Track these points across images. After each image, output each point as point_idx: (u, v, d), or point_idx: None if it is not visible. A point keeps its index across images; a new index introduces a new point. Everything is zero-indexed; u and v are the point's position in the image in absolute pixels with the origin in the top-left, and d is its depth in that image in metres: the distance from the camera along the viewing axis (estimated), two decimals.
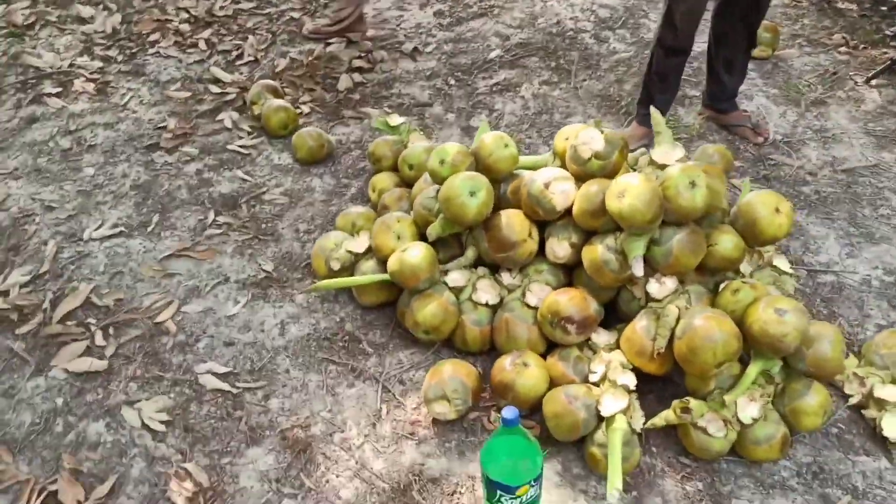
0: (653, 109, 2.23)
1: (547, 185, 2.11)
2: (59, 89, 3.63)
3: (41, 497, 1.92)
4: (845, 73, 3.50)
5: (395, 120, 2.91)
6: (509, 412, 1.57)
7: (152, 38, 4.01)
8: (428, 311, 2.15)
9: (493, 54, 3.79)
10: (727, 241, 2.06)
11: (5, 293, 2.54)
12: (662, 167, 2.06)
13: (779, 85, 3.45)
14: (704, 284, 2.12)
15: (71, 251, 2.71)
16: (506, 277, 2.24)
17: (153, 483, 1.95)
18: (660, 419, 1.89)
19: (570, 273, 2.24)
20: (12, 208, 2.93)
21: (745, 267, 2.20)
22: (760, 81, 3.48)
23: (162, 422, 2.10)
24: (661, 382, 2.08)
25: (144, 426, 2.10)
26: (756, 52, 3.59)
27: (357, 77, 3.64)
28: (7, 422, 2.13)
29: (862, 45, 3.69)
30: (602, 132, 2.14)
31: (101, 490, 1.93)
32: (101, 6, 4.21)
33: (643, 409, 1.96)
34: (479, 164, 2.30)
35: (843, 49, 3.67)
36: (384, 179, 2.76)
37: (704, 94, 3.18)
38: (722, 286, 2.07)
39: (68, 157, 3.20)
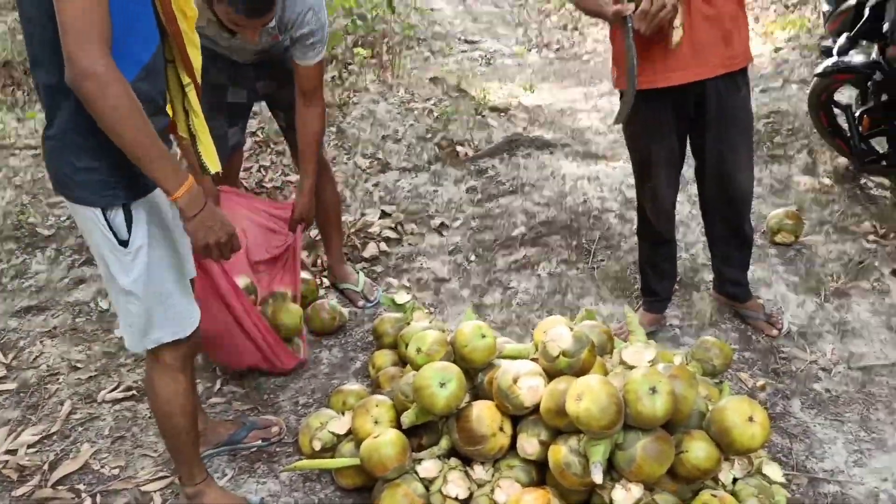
0: (626, 308, 2.25)
1: (515, 380, 2.11)
2: None
3: None
4: (872, 262, 3.42)
5: (401, 298, 3.01)
6: None
7: None
8: (393, 502, 2.13)
9: (516, 231, 3.91)
10: (699, 450, 1.98)
11: (13, 452, 2.65)
12: (631, 368, 2.04)
13: (800, 273, 3.40)
14: (679, 493, 2.03)
15: (83, 412, 2.83)
16: (478, 470, 2.20)
17: None
18: None
19: (544, 470, 2.19)
20: (41, 366, 3.11)
21: (727, 475, 2.11)
22: (781, 268, 3.44)
23: None
24: None
25: None
26: (779, 238, 3.58)
27: (384, 247, 3.80)
28: None
29: (893, 235, 3.61)
30: (571, 329, 2.15)
31: None
32: None
33: None
34: (456, 353, 2.33)
35: (871, 237, 3.61)
36: (383, 357, 2.82)
37: (714, 280, 3.15)
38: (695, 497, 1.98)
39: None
